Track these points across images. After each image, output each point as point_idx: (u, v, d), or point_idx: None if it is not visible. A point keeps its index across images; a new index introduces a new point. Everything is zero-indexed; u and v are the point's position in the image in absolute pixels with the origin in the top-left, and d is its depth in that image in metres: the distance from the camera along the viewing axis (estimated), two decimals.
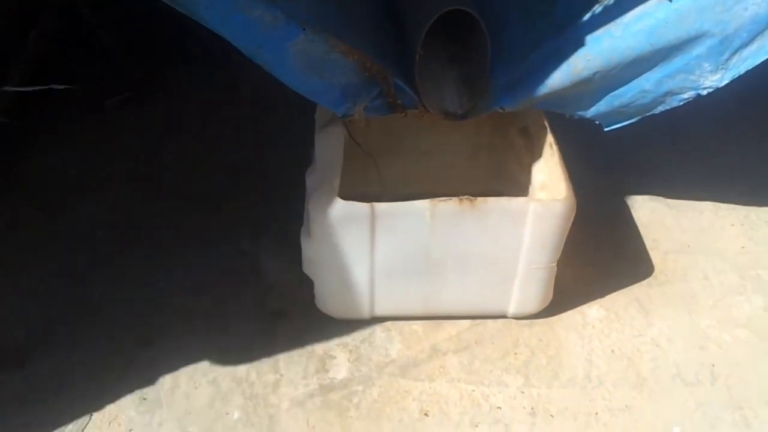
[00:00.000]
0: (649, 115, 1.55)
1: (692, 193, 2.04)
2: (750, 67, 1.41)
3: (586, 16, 1.54)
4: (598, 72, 1.50)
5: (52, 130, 2.23)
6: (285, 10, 1.39)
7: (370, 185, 1.83)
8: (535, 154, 1.70)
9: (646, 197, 2.04)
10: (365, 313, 1.64)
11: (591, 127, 1.61)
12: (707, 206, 2.01)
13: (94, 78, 2.39)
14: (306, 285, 1.67)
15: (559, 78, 1.53)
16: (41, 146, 2.17)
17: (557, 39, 1.58)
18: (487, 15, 1.67)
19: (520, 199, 1.46)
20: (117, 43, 2.40)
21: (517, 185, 1.76)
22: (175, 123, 2.28)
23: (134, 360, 1.60)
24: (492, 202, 1.43)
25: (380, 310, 1.64)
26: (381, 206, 1.42)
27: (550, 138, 1.64)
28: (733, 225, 1.97)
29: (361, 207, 1.42)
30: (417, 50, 1.57)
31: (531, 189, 1.66)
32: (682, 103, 1.50)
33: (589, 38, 1.51)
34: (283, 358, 1.61)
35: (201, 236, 1.89)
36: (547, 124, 1.66)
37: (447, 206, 1.43)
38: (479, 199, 1.42)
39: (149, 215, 1.95)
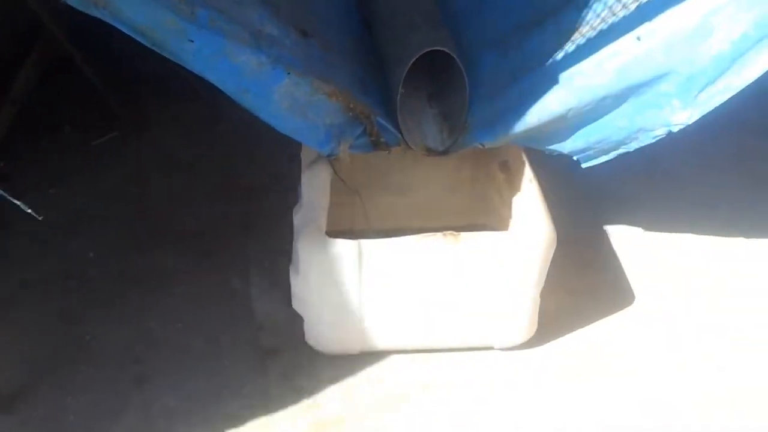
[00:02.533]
0: (624, 152, 1.61)
1: (669, 222, 2.10)
2: (718, 104, 1.47)
3: (559, 55, 1.61)
4: (571, 109, 1.57)
5: (41, 169, 2.25)
6: (270, 55, 1.44)
7: (355, 220, 1.87)
8: (516, 187, 1.75)
9: (624, 226, 2.10)
10: (355, 348, 1.67)
11: (569, 159, 1.67)
12: (685, 233, 2.07)
13: (81, 117, 2.43)
14: (297, 322, 1.70)
15: (534, 114, 1.60)
16: (31, 185, 2.19)
17: (531, 76, 1.64)
18: (464, 52, 1.74)
19: (503, 234, 1.51)
20: (103, 82, 2.44)
21: (499, 218, 1.81)
22: (162, 160, 2.31)
23: (129, 402, 1.61)
24: (475, 237, 1.48)
25: (370, 345, 1.67)
26: (367, 243, 1.47)
27: (529, 172, 1.70)
28: (711, 251, 2.03)
29: (348, 244, 1.46)
30: (398, 90, 1.63)
31: (512, 222, 1.71)
32: (654, 140, 1.55)
33: (562, 75, 1.57)
34: (275, 395, 1.63)
35: (192, 274, 1.92)
36: (526, 159, 1.72)
37: (432, 241, 1.47)
38: (463, 234, 1.47)
39: (140, 254, 1.97)
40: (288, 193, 1.71)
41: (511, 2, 1.87)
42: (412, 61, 1.62)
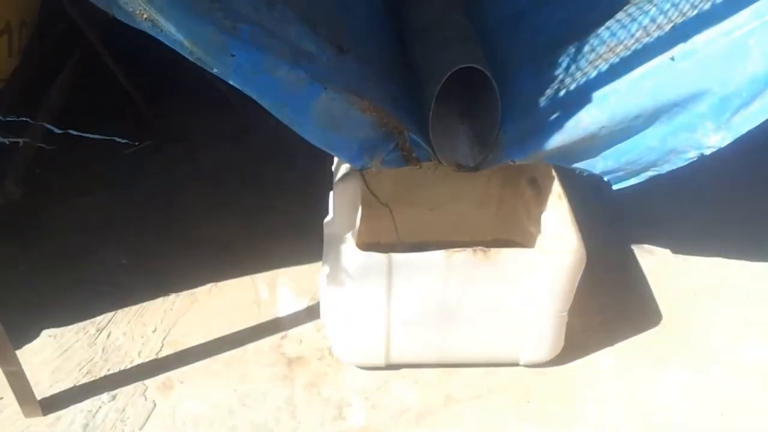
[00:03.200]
0: (655, 175, 1.60)
1: (698, 242, 2.09)
2: (752, 127, 1.46)
3: (593, 74, 1.62)
4: (604, 127, 1.57)
5: (74, 177, 2.30)
6: (308, 71, 1.46)
7: (384, 234, 1.89)
8: (544, 204, 1.75)
9: (652, 246, 2.09)
10: (381, 360, 1.68)
11: (596, 179, 1.67)
12: (712, 254, 2.06)
13: (115, 126, 2.47)
14: (323, 332, 1.72)
15: (566, 132, 1.60)
16: (64, 192, 2.24)
17: (564, 94, 1.65)
18: (496, 69, 1.75)
19: (532, 251, 1.51)
20: (138, 91, 2.49)
21: (527, 234, 1.82)
22: (193, 169, 2.35)
23: (156, 407, 1.64)
24: (505, 253, 1.49)
25: (396, 358, 1.68)
26: (398, 257, 1.48)
27: (558, 189, 1.70)
28: (738, 272, 2.01)
29: (379, 257, 1.47)
30: (431, 106, 1.65)
31: (540, 239, 1.72)
32: (686, 163, 1.54)
33: (595, 94, 1.57)
34: (300, 405, 1.64)
35: (219, 282, 1.94)
36: (555, 176, 1.72)
37: (461, 257, 1.48)
38: (492, 250, 1.48)
39: (168, 260, 2.01)
40: (316, 203, 1.73)
41: (544, 21, 1.88)
42: (445, 78, 1.63)
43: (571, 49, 1.72)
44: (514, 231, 1.89)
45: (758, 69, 1.41)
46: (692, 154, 1.55)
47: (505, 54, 1.89)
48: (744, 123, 1.47)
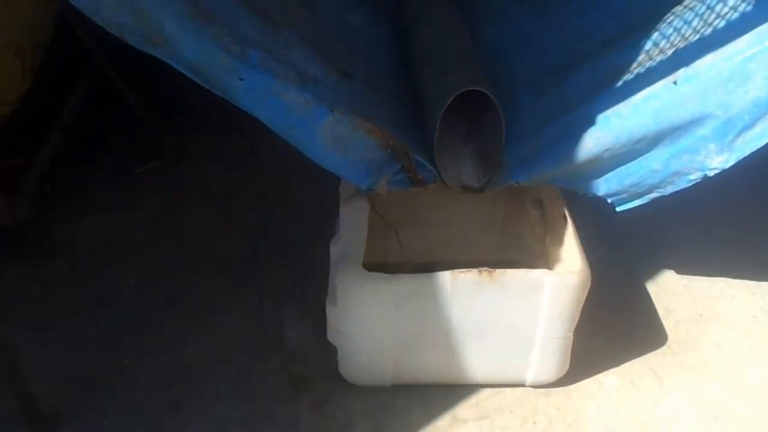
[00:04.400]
0: (659, 197, 1.62)
1: (702, 263, 2.09)
2: (754, 149, 1.48)
3: (596, 96, 1.64)
4: (607, 150, 1.58)
5: (83, 196, 2.33)
6: (315, 94, 1.50)
7: (391, 254, 1.90)
8: (549, 225, 1.77)
9: (657, 267, 2.09)
10: (387, 380, 1.68)
11: (600, 200, 1.68)
12: (717, 276, 2.06)
13: (125, 145, 2.51)
14: (328, 351, 1.72)
15: (569, 155, 1.62)
16: (73, 212, 2.26)
17: (568, 117, 1.67)
18: (500, 92, 1.77)
19: (538, 272, 1.52)
20: (147, 112, 2.52)
21: (533, 255, 1.83)
22: (201, 190, 2.38)
23: (163, 426, 1.64)
24: (510, 274, 1.50)
25: (401, 378, 1.69)
26: (404, 278, 1.49)
27: (563, 210, 1.71)
28: (743, 294, 2.02)
29: (386, 279, 1.49)
30: (436, 128, 1.67)
31: (546, 260, 1.73)
32: (690, 185, 1.56)
33: (599, 117, 1.59)
34: (306, 425, 1.65)
35: (226, 301, 1.96)
36: (560, 196, 1.74)
37: (467, 277, 1.49)
38: (498, 271, 1.49)
39: (176, 280, 2.02)
40: (322, 224, 1.75)
41: (548, 45, 1.92)
42: (449, 101, 1.66)
43: (574, 73, 1.75)
44: (520, 251, 1.90)
45: (760, 93, 1.43)
46: (696, 176, 1.56)
47: (510, 77, 1.92)
48: (747, 145, 1.49)
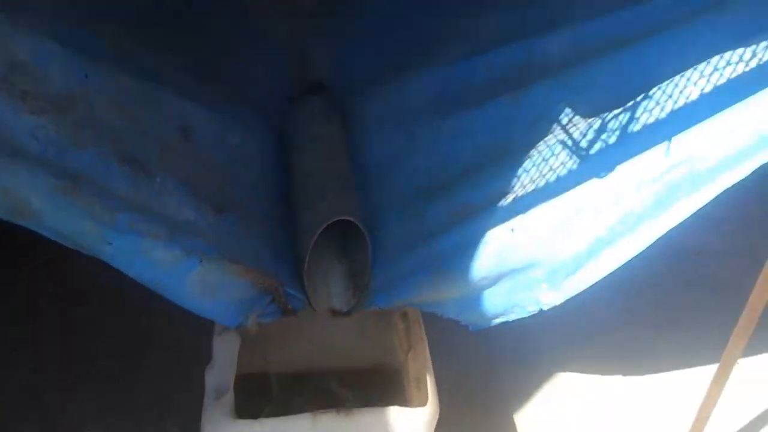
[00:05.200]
0: (504, 321, 1.81)
1: (576, 371, 2.28)
2: (581, 290, 1.68)
3: (447, 233, 1.79)
4: (456, 285, 1.75)
5: None
6: (185, 247, 1.59)
7: (268, 362, 2.01)
8: (413, 341, 1.93)
9: (521, 383, 2.28)
10: None
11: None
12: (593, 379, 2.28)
13: None
14: None
15: (423, 285, 1.77)
16: None
17: (426, 247, 1.82)
18: (372, 210, 1.92)
19: (390, 409, 1.67)
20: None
21: (398, 365, 1.98)
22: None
23: None
24: (366, 412, 1.65)
25: None
26: (268, 422, 1.61)
27: (421, 332, 1.88)
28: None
29: (250, 424, 1.60)
30: (306, 259, 1.80)
31: (408, 379, 1.88)
32: (529, 314, 1.76)
33: (449, 253, 1.75)
34: None
35: (106, 421, 2.03)
36: (419, 319, 1.90)
37: (327, 417, 1.63)
38: (354, 410, 1.64)
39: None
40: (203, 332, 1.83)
41: (414, 168, 2.05)
42: (319, 231, 1.79)
43: (429, 202, 1.90)
44: (391, 357, 2.05)
45: (580, 248, 1.63)
46: (532, 308, 1.75)
47: (381, 195, 2.04)
48: (572, 287, 1.67)
